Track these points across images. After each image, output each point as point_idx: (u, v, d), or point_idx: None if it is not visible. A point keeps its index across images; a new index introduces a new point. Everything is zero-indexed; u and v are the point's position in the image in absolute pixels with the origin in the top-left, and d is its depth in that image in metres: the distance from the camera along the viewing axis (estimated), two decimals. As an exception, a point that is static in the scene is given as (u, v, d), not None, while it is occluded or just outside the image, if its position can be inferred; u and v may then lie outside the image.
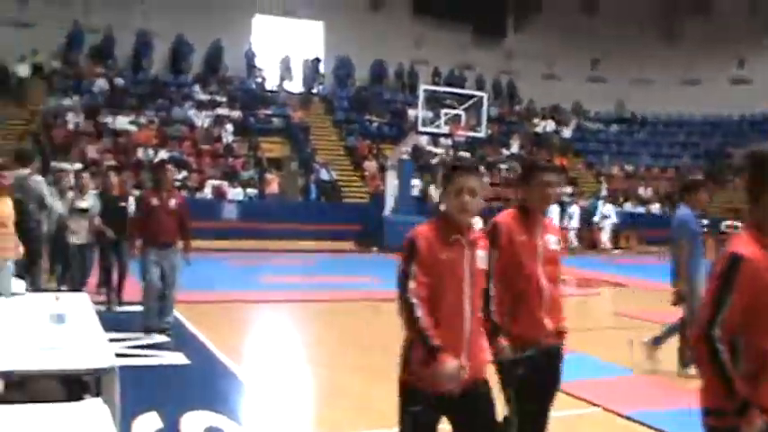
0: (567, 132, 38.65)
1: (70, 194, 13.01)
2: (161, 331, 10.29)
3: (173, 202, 10.69)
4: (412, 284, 3.92)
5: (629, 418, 7.27)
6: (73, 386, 4.98)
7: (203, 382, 8.24)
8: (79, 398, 4.23)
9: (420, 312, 3.86)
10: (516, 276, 4.68)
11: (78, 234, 12.54)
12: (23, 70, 31.02)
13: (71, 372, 4.66)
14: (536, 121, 38.76)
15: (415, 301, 3.88)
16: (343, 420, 7.12)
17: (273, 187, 29.07)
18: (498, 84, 40.22)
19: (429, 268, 3.95)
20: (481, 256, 4.11)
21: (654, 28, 40.29)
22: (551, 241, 4.89)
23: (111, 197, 12.89)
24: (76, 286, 11.63)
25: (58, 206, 12.67)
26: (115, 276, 12.70)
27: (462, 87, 34.73)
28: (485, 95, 29.08)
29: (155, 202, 10.59)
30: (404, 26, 37.69)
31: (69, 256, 12.77)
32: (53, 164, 24.47)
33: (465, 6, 37.62)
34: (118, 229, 12.28)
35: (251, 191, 28.57)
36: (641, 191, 35.62)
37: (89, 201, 12.69)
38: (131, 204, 12.91)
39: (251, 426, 6.89)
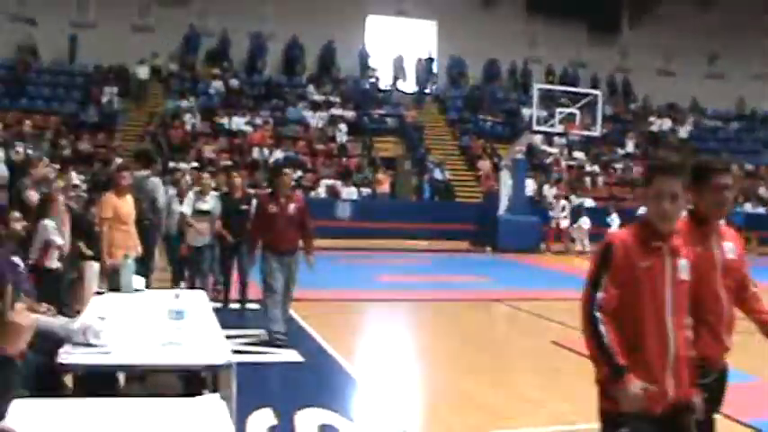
0: (683, 132, 37.75)
1: (191, 195, 12.59)
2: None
3: (292, 208, 10.12)
4: (600, 295, 3.67)
5: (750, 426, 7.07)
6: (191, 381, 5.07)
7: (317, 380, 8.30)
8: (197, 393, 4.29)
9: (603, 328, 3.62)
10: (693, 291, 4.07)
11: (198, 236, 12.22)
12: (143, 73, 31.83)
13: (189, 367, 4.75)
14: (652, 119, 37.97)
15: (598, 314, 3.64)
16: (456, 420, 7.09)
17: (385, 187, 29.15)
18: (613, 81, 39.56)
19: (625, 278, 3.68)
20: (684, 265, 3.80)
21: (775, 22, 39.13)
22: (728, 249, 4.43)
23: (233, 199, 12.52)
24: (195, 287, 11.12)
25: (183, 208, 12.42)
26: (234, 277, 12.44)
27: (576, 85, 34.36)
28: (599, 93, 28.72)
29: (273, 209, 10.04)
30: (517, 24, 37.37)
31: (187, 258, 12.43)
32: (171, 164, 25.06)
33: (579, 2, 37.14)
34: (239, 232, 11.96)
35: (365, 190, 28.69)
36: (762, 191, 34.63)
37: (210, 202, 12.33)
38: (253, 207, 12.00)
39: (364, 424, 6.92)
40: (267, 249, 10.07)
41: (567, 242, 27.01)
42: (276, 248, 10.00)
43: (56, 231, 8.90)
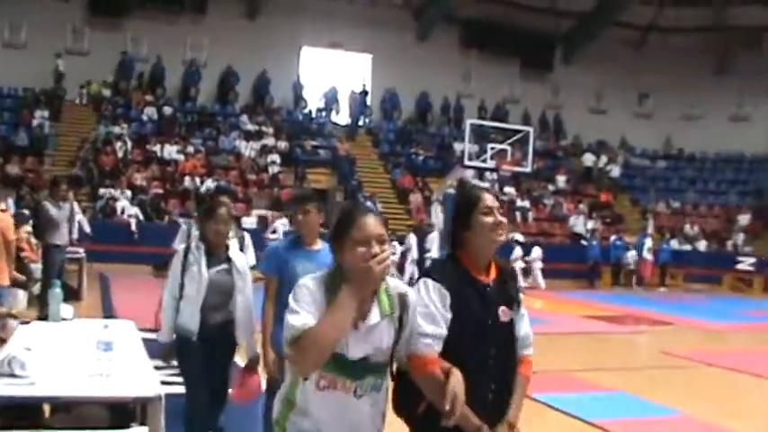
0: (616, 171, 38.20)
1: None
2: None
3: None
4: None
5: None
6: (119, 413, 5.01)
7: (245, 410, 8.22)
8: (125, 425, 4.25)
9: None
10: None
11: None
12: (76, 98, 31.65)
13: (118, 399, 4.69)
14: (587, 156, 38.37)
15: None
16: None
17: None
18: (545, 118, 40.04)
19: None
20: None
21: (703, 63, 39.94)
22: None
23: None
24: None
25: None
26: None
27: (508, 121, 34.74)
28: (531, 130, 29.05)
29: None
30: (451, 59, 37.72)
31: None
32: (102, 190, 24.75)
33: (513, 40, 37.68)
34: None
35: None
36: (687, 228, 35.26)
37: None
38: None
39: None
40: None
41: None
42: None
43: None
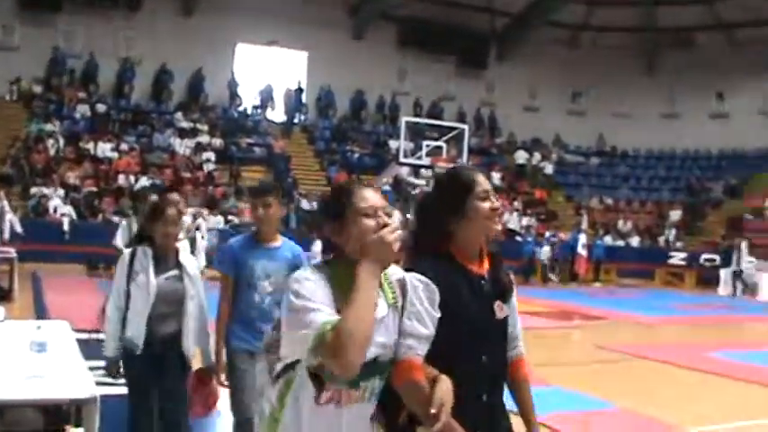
0: (549, 168, 38.62)
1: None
2: None
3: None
4: None
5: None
6: (53, 416, 4.94)
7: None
8: (59, 428, 4.20)
9: None
10: None
11: None
12: (6, 94, 31.03)
13: (52, 401, 4.62)
14: (521, 153, 38.71)
15: None
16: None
17: (248, 215, 28.93)
18: (480, 115, 40.29)
19: None
20: None
21: (635, 62, 40.54)
22: None
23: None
24: None
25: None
26: None
27: (443, 119, 34.87)
28: (466, 127, 29.20)
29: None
30: (387, 57, 37.77)
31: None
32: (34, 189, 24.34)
33: (448, 38, 37.92)
34: None
35: (232, 219, 28.43)
36: (620, 224, 35.73)
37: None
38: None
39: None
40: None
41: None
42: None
43: None
